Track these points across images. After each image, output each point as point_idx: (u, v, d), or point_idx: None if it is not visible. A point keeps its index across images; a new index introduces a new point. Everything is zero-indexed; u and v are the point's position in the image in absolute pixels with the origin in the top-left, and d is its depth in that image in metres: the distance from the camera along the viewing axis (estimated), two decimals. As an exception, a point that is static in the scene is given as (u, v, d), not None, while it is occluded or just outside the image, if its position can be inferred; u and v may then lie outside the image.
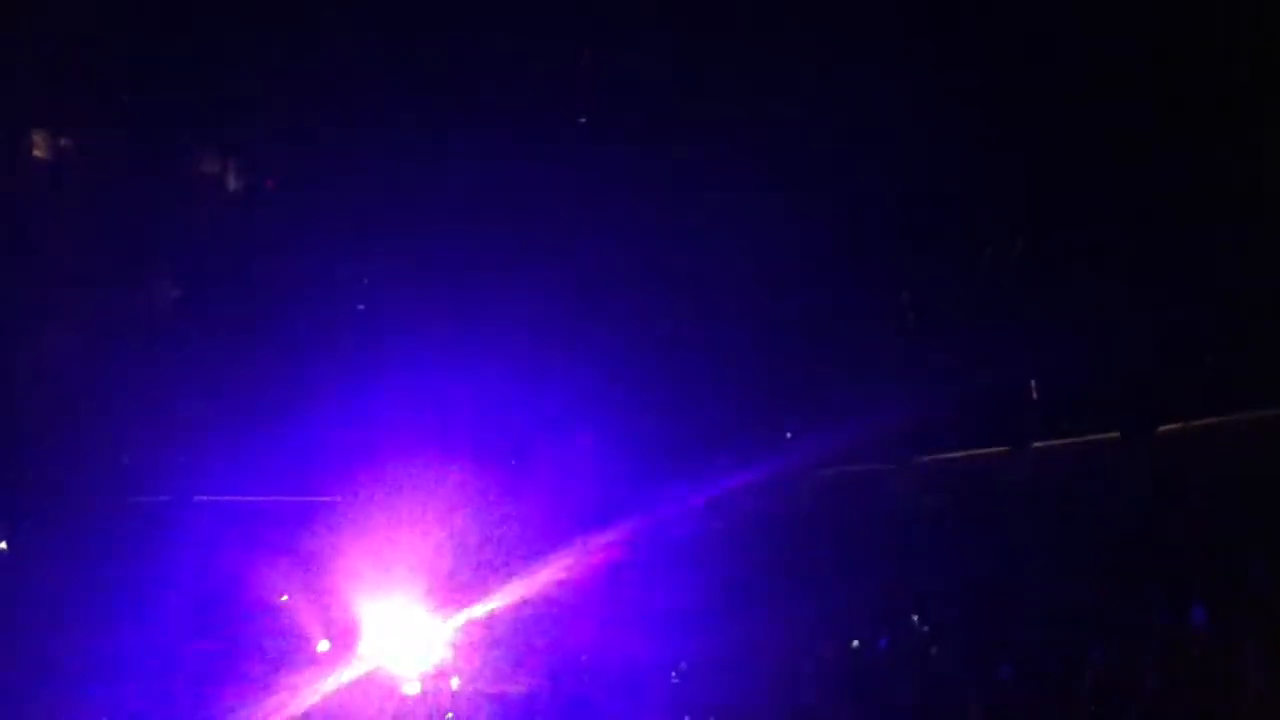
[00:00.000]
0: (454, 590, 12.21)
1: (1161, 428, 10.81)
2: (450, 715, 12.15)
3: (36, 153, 10.83)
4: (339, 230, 11.16)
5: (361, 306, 11.52)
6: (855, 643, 11.85)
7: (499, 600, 12.18)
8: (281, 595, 12.11)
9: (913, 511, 11.76)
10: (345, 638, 12.16)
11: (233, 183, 11.08)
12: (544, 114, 10.91)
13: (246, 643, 11.91)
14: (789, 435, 12.17)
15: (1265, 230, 10.08)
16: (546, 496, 12.00)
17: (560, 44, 10.82)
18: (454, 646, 12.31)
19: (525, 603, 12.15)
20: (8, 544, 11.63)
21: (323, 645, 12.22)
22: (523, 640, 12.32)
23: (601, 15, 10.18)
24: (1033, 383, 11.26)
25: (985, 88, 10.10)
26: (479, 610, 12.23)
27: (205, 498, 11.85)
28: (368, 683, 12.07)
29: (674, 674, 12.21)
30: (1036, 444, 11.26)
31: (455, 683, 12.31)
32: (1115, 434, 11.02)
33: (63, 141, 10.78)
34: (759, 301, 11.47)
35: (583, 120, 11.11)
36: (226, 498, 11.91)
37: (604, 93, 10.49)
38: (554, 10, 10.36)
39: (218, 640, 11.84)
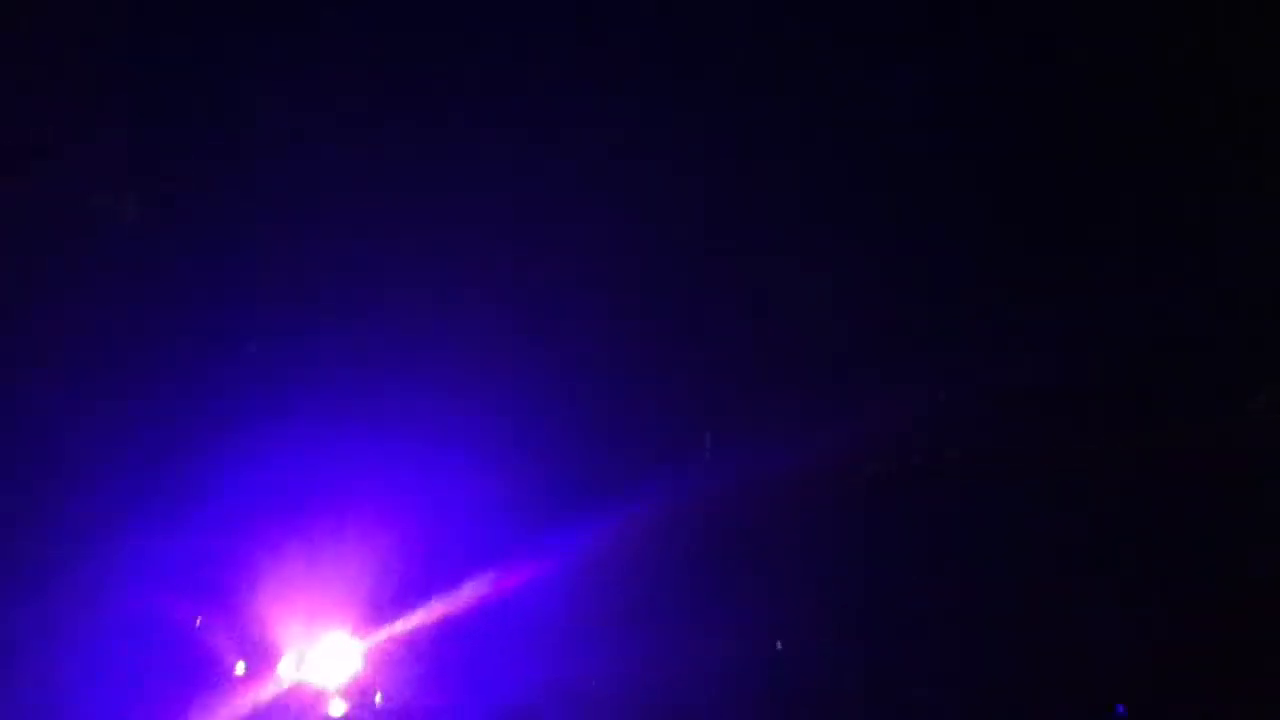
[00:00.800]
0: (375, 607, 11.91)
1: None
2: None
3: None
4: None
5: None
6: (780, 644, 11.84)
7: (424, 615, 11.92)
8: (195, 618, 11.73)
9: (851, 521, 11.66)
10: (263, 659, 11.79)
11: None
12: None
13: (162, 666, 11.51)
14: (708, 451, 12.00)
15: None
16: (470, 511, 11.73)
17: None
18: (377, 664, 12.02)
19: (449, 618, 11.90)
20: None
21: (239, 668, 11.84)
22: (448, 655, 12.05)
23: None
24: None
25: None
26: (401, 626, 11.96)
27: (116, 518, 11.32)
28: (288, 703, 11.77)
29: (593, 683, 12.05)
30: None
31: (379, 699, 12.07)
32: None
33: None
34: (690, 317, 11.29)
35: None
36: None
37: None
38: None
39: (133, 664, 11.39)
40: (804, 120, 10.37)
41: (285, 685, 11.81)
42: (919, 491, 11.41)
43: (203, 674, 11.64)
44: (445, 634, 11.94)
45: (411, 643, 11.99)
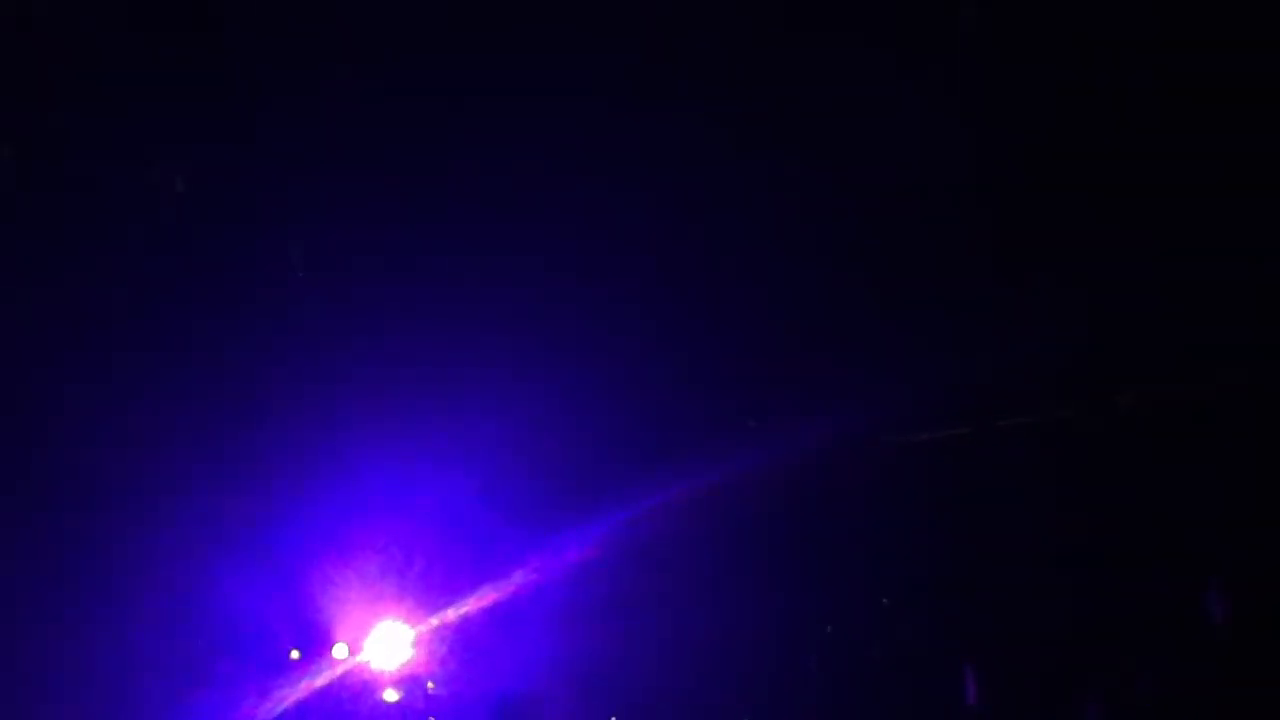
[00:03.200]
0: (428, 594, 12.11)
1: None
2: None
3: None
4: None
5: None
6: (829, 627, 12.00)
7: (474, 602, 12.08)
8: (255, 604, 11.82)
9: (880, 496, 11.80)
10: (317, 645, 12.02)
11: None
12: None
13: (218, 650, 11.78)
14: (752, 424, 12.12)
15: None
16: (517, 497, 11.93)
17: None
18: (429, 651, 12.20)
19: (500, 605, 12.06)
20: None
21: (294, 654, 12.07)
22: (498, 642, 12.20)
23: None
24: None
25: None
26: (453, 613, 12.13)
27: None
28: (342, 690, 11.97)
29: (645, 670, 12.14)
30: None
31: (431, 686, 12.22)
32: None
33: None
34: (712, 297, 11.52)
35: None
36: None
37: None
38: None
39: (191, 646, 11.71)
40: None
41: (339, 672, 11.95)
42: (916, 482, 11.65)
43: (258, 660, 11.81)
44: (496, 622, 12.05)
45: (464, 630, 12.12)
